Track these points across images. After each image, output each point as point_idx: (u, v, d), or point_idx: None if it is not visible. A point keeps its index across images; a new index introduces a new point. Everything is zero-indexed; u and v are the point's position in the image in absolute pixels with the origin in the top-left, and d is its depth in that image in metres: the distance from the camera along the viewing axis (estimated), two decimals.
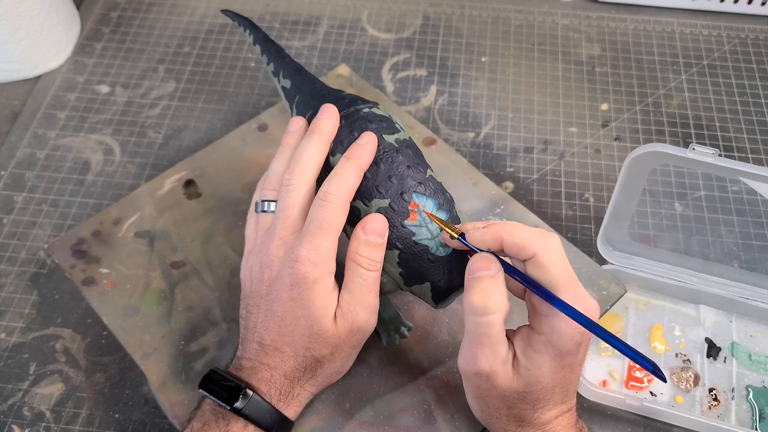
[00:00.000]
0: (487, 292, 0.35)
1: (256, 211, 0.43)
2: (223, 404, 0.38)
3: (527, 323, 0.38)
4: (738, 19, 0.78)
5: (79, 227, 0.54)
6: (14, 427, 0.50)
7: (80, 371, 0.52)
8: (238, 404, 0.38)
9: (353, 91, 0.63)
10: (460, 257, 0.40)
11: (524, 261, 0.36)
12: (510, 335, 0.38)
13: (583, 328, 0.34)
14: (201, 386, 0.39)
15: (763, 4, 0.77)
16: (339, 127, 0.42)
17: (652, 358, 0.52)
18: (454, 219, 0.40)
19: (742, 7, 0.77)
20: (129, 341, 0.49)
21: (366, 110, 0.43)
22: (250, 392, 0.38)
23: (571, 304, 0.34)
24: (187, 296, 0.51)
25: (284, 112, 0.61)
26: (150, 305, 0.50)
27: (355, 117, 0.42)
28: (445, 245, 0.39)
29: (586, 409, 0.50)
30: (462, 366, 0.38)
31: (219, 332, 0.49)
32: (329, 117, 0.42)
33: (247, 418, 0.38)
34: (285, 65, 0.50)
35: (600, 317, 0.46)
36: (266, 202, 0.43)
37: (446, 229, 0.38)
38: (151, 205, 0.55)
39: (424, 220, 0.39)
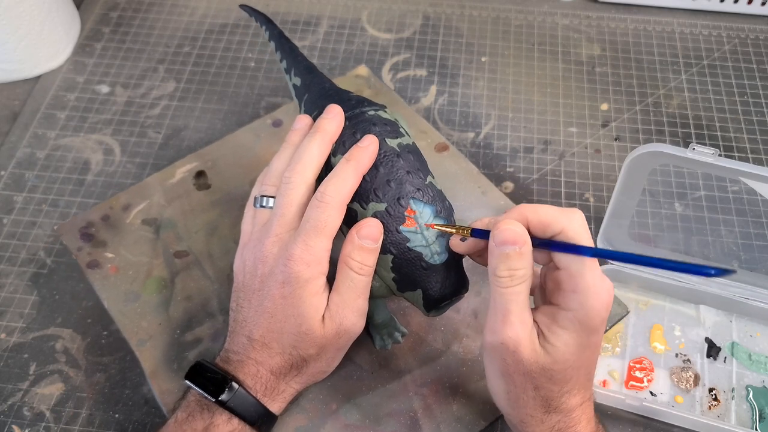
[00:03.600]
0: (514, 264, 0.35)
1: (255, 206, 0.44)
2: (209, 396, 0.38)
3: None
4: (738, 19, 0.78)
5: (89, 211, 0.55)
6: (14, 427, 0.50)
7: (80, 371, 0.52)
8: (223, 397, 0.38)
9: (370, 93, 0.63)
10: (453, 267, 0.40)
11: (550, 238, 0.36)
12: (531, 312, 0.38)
13: (609, 302, 0.35)
14: (187, 377, 0.39)
15: (763, 4, 0.77)
16: (343, 128, 0.42)
17: (651, 358, 0.52)
18: None
19: (742, 7, 0.77)
20: (127, 326, 0.49)
21: (371, 113, 0.43)
22: (235, 385, 0.38)
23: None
24: (187, 286, 0.51)
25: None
26: (150, 292, 0.50)
27: (360, 119, 0.42)
28: (440, 253, 0.39)
29: None
30: (487, 339, 0.37)
31: (215, 324, 0.49)
32: (333, 117, 0.42)
33: (232, 411, 0.38)
34: (297, 63, 0.51)
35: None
36: (265, 198, 0.43)
37: (456, 231, 0.38)
38: (161, 194, 0.56)
39: (420, 227, 0.39)
